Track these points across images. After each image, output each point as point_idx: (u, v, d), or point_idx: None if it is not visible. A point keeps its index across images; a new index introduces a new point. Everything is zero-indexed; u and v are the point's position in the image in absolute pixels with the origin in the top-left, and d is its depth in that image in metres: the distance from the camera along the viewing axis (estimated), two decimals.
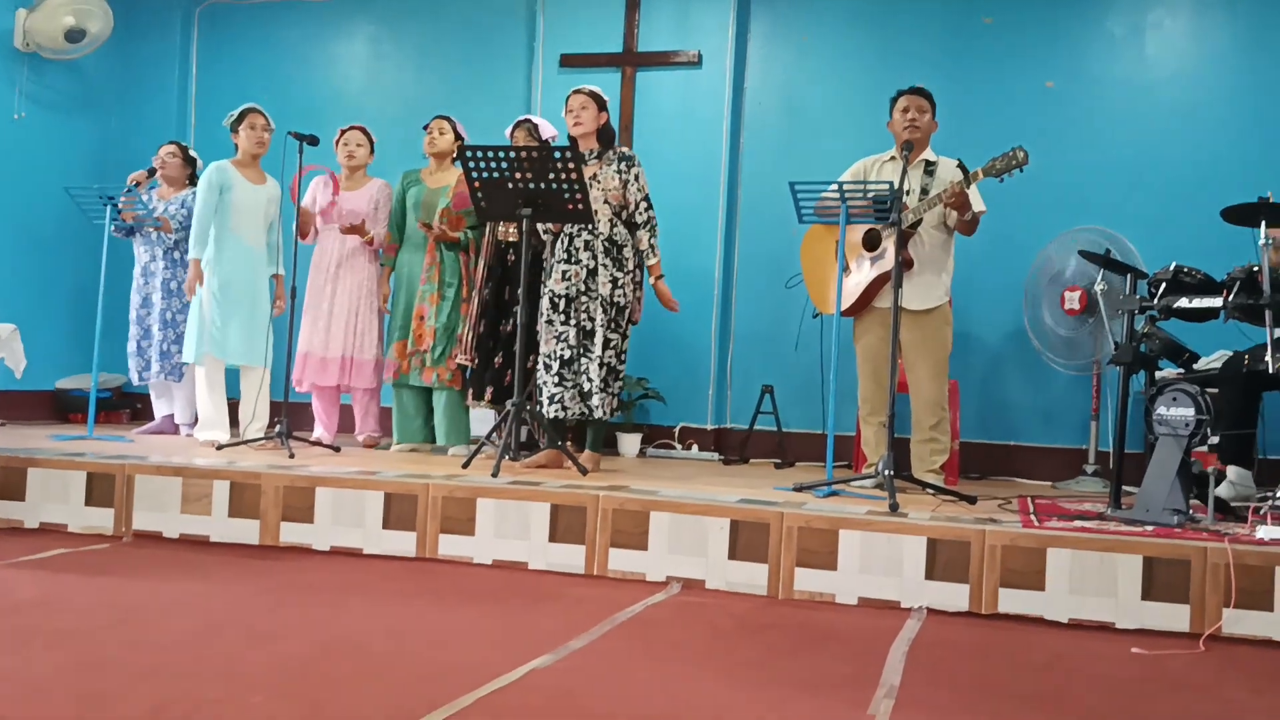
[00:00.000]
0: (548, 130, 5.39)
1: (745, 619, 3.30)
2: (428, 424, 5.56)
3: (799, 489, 4.30)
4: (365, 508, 4.03)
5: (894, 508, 3.77)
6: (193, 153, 6.13)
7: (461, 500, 3.94)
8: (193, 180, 5.97)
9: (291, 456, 4.78)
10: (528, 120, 5.45)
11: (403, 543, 3.98)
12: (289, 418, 5.06)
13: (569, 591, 3.57)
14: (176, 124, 7.14)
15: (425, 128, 5.60)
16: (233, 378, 5.50)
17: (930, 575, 3.47)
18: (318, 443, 5.42)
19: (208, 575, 3.65)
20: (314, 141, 5.18)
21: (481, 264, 5.35)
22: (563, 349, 4.79)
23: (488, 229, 5.34)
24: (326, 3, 7.08)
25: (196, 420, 5.60)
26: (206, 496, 4.17)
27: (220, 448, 5.01)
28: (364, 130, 5.74)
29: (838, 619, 3.35)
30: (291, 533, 4.10)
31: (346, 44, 7.09)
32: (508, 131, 5.47)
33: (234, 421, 5.48)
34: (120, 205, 5.65)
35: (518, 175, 4.47)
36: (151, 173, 6.00)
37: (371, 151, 5.76)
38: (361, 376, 5.62)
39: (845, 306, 4.69)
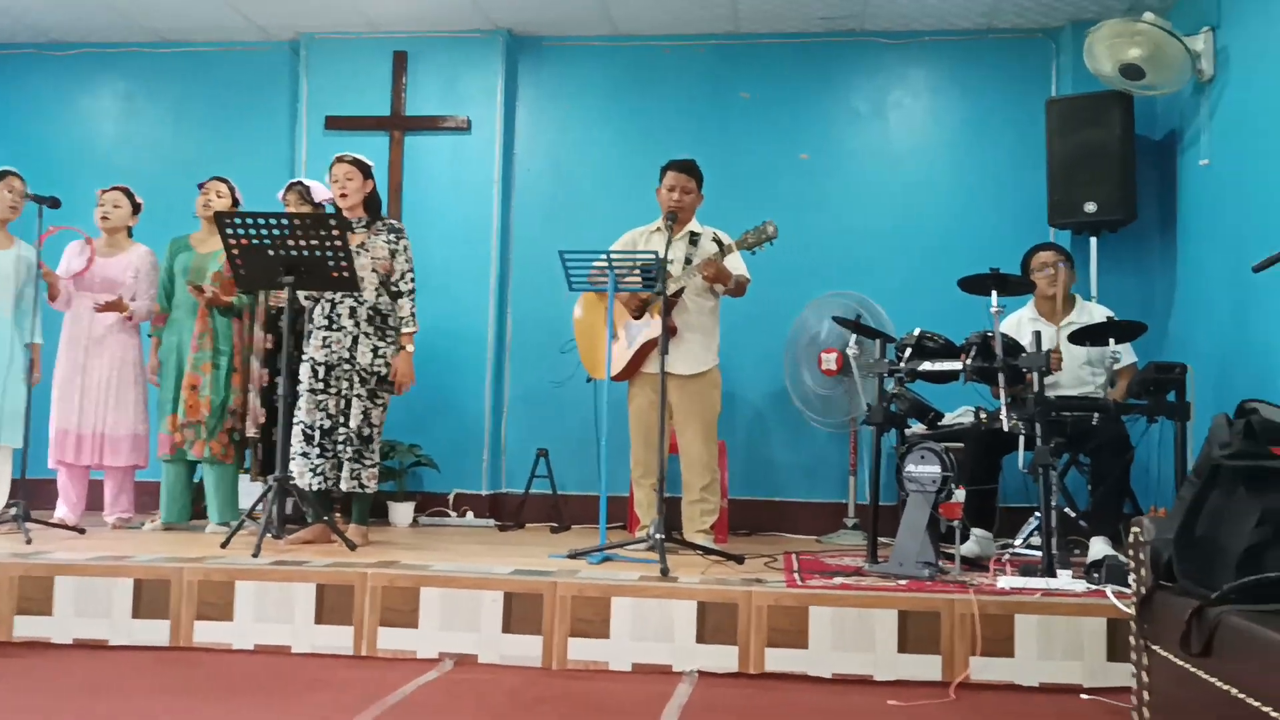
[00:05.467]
0: (321, 193, 5.27)
1: (517, 694, 3.26)
2: (196, 501, 5.27)
3: (573, 555, 4.31)
4: (112, 596, 3.75)
5: (665, 572, 3.83)
6: None
7: (219, 584, 3.73)
8: None
9: (28, 542, 4.41)
10: (299, 183, 5.32)
11: (155, 632, 3.73)
12: (26, 499, 4.68)
13: (335, 675, 3.43)
14: None
15: (200, 187, 5.35)
16: None
17: (701, 638, 3.52)
18: (60, 524, 5.02)
19: None
20: (55, 204, 4.83)
21: (260, 331, 5.18)
22: (323, 419, 4.65)
23: (261, 295, 5.16)
24: (72, 56, 6.70)
25: None
26: None
27: None
28: (125, 191, 5.41)
29: (611, 688, 3.35)
30: (27, 626, 3.77)
31: (94, 99, 6.72)
32: (280, 194, 5.31)
33: None
34: None
35: (278, 242, 4.34)
36: None
37: (135, 213, 5.43)
38: (117, 454, 5.27)
39: (615, 372, 4.79)
